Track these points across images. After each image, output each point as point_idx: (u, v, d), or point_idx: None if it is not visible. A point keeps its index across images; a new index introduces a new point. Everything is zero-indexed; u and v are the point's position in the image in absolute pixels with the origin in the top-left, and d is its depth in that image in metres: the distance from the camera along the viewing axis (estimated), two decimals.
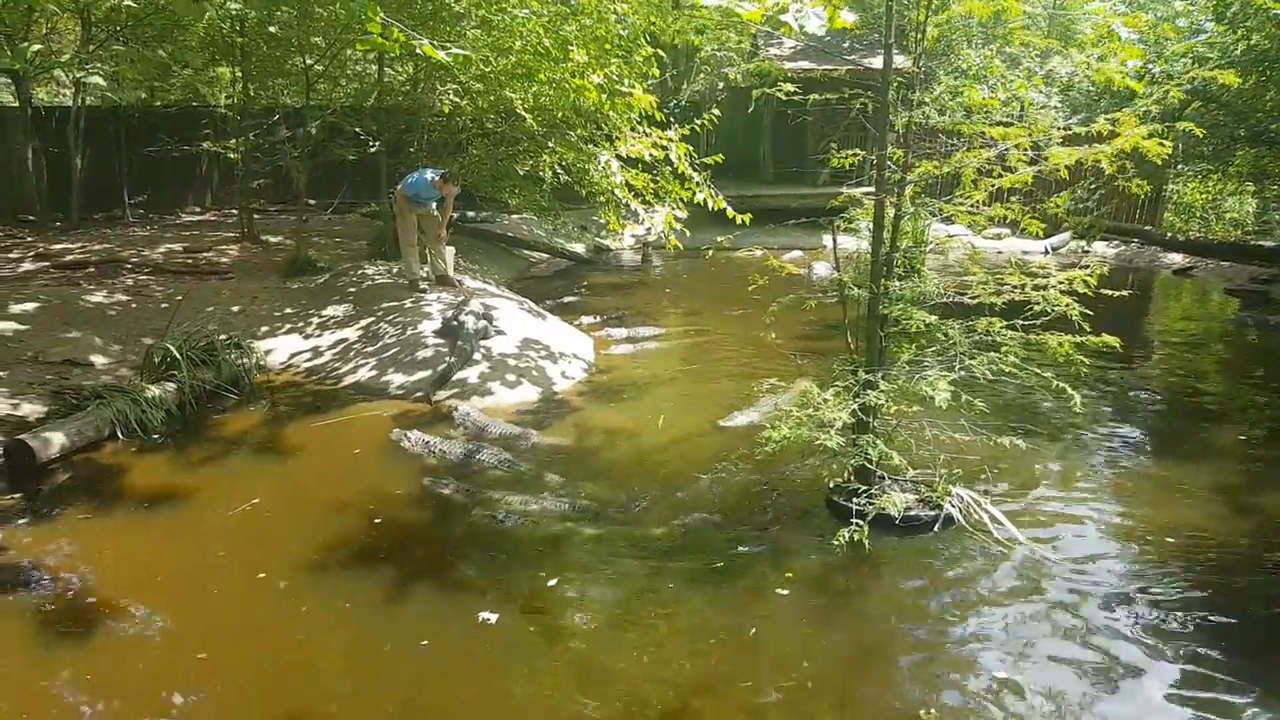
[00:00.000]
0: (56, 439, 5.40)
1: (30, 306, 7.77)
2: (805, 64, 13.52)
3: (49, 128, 12.31)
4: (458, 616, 3.85)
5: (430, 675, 3.50)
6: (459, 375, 6.93)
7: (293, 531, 4.67)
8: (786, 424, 4.42)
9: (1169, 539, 4.57)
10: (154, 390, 6.14)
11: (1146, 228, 14.42)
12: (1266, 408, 7.02)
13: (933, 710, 3.27)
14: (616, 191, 6.88)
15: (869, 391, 4.46)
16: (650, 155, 6.29)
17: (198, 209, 14.53)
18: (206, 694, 3.38)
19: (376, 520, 4.73)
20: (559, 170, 8.90)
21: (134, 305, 8.26)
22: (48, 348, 6.96)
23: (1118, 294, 4.64)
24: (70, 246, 10.53)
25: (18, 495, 4.99)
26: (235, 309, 8.55)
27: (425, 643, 3.67)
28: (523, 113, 7.55)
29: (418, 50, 4.04)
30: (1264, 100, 11.49)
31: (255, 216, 12.07)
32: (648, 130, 6.42)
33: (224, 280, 9.44)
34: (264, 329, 8.15)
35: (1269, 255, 12.65)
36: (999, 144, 4.51)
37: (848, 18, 3.33)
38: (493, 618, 3.80)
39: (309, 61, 9.69)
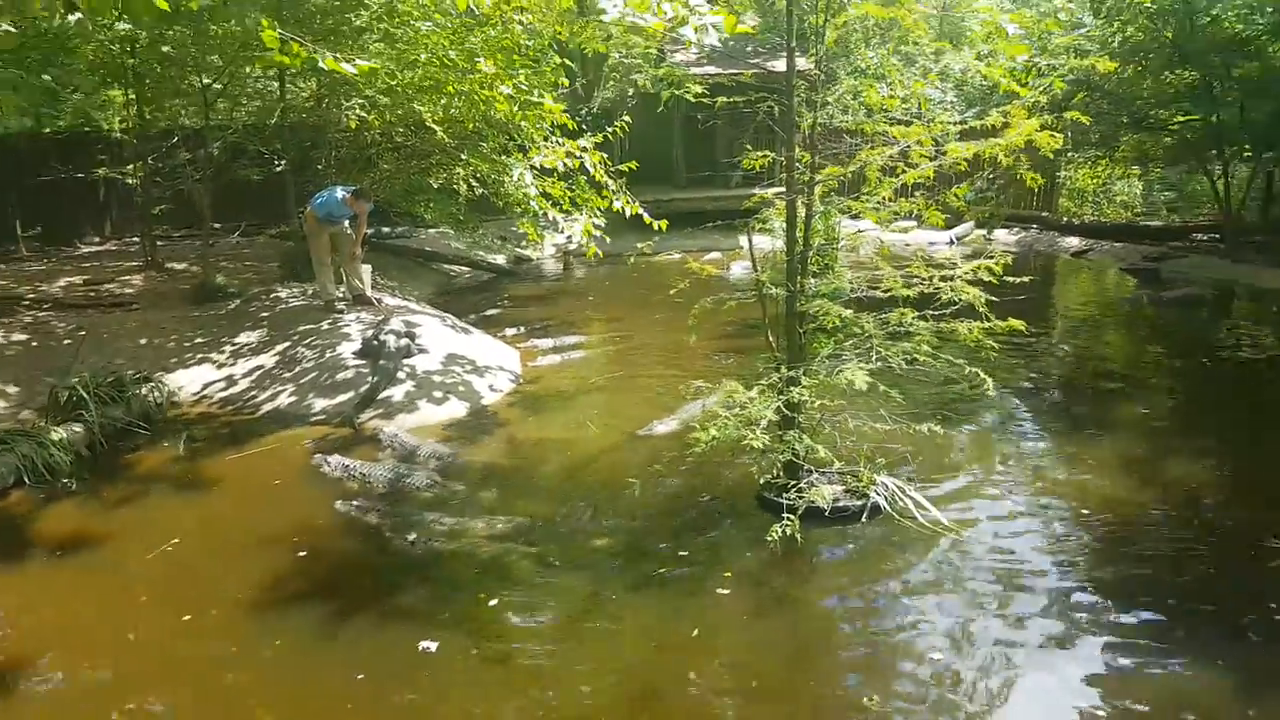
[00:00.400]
0: None
1: None
2: (711, 69, 13.70)
3: None
4: (395, 647, 3.75)
5: (368, 710, 3.40)
6: (383, 395, 6.81)
7: (216, 569, 4.51)
8: (714, 425, 4.49)
9: (1083, 511, 4.80)
10: (60, 432, 5.84)
11: (1044, 214, 15.11)
12: (1165, 380, 7.44)
13: (875, 697, 3.36)
14: (532, 202, 6.87)
15: (792, 388, 4.56)
16: (565, 165, 6.30)
17: (97, 239, 13.87)
18: None
19: (302, 552, 4.59)
20: (473, 183, 8.83)
21: (34, 344, 7.84)
22: None
23: (1020, 280, 4.87)
24: None
25: None
26: (143, 341, 8.20)
27: (361, 676, 3.56)
28: (432, 125, 7.47)
29: (321, 64, 3.96)
30: (1142, 88, 12.16)
31: (159, 243, 11.62)
32: (561, 140, 6.43)
33: (129, 312, 9.05)
34: (174, 360, 7.84)
35: (1157, 234, 13.41)
36: (900, 142, 4.67)
37: (748, 22, 3.41)
38: (433, 645, 3.72)
39: (206, 81, 9.38)
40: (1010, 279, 4.69)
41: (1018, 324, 4.48)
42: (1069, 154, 14.18)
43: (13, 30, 6.48)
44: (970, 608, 3.92)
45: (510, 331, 9.20)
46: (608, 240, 6.93)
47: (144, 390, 6.68)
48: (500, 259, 13.88)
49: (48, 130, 13.16)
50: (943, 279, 4.62)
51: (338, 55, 4.01)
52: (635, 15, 3.53)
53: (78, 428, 6.02)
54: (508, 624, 3.93)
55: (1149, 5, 10.43)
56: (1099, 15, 11.72)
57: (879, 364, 4.56)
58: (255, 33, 4.00)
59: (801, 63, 4.54)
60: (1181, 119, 12.31)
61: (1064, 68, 5.31)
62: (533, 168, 6.84)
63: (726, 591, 4.08)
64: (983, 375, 4.47)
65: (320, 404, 6.83)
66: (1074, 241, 14.03)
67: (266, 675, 3.66)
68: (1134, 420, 6.26)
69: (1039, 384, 7.14)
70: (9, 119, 12.43)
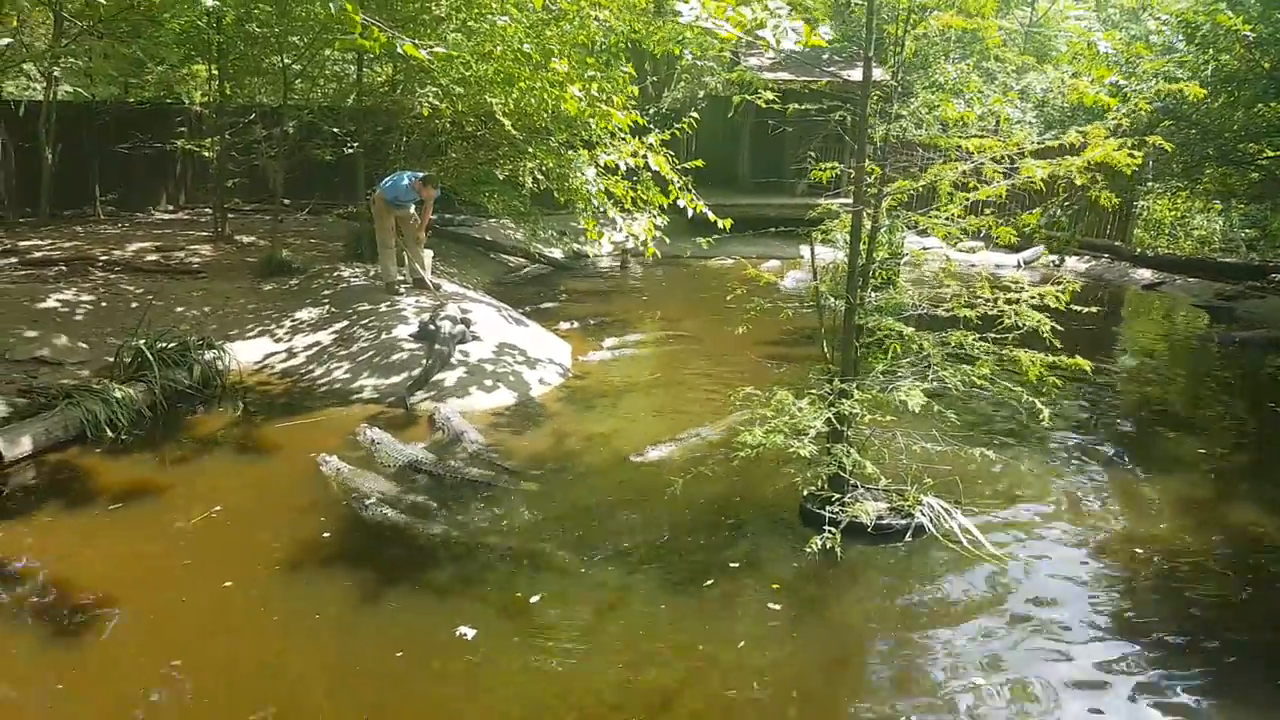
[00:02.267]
0: (24, 438, 5.32)
1: None
2: (784, 75, 13.59)
3: (19, 122, 12.10)
4: (433, 630, 3.79)
5: (405, 688, 3.45)
6: (435, 379, 6.89)
7: (260, 537, 4.60)
8: (762, 430, 4.44)
9: (1137, 550, 4.64)
10: (124, 390, 6.05)
11: (1116, 243, 14.65)
12: (1231, 422, 7.15)
13: (913, 719, 3.30)
14: (594, 199, 6.89)
15: (844, 400, 4.50)
16: (629, 163, 6.31)
17: (171, 207, 14.32)
18: (178, 702, 3.33)
19: (345, 527, 4.66)
20: (539, 176, 8.92)
21: (104, 304, 8.14)
22: (15, 346, 6.84)
23: (1087, 309, 4.73)
24: (39, 243, 10.35)
25: None
26: (207, 309, 8.45)
27: (400, 654, 3.61)
28: (502, 118, 7.55)
29: (399, 50, 4.02)
30: (1232, 120, 11.70)
31: (230, 216, 11.94)
32: (627, 137, 6.44)
33: (196, 280, 9.32)
34: (236, 330, 8.06)
35: (1234, 272, 12.90)
36: (974, 157, 4.58)
37: (825, 35, 3.37)
38: (470, 632, 3.72)
39: (287, 60, 9.61)
40: (1077, 307, 4.57)
41: (1083, 363, 4.37)
42: (1148, 183, 13.73)
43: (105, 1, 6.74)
44: (1009, 638, 3.82)
45: (564, 325, 9.25)
46: (667, 240, 6.92)
47: (206, 356, 6.86)
48: (558, 253, 13.96)
49: (132, 100, 13.61)
50: (1008, 302, 4.52)
51: (416, 41, 4.07)
52: (713, 21, 3.49)
53: (140, 388, 6.23)
54: (548, 619, 3.91)
55: (1248, 33, 10.02)
56: (1192, 41, 11.30)
57: (935, 384, 4.48)
58: (338, 16, 4.08)
59: (877, 73, 4.47)
60: (1272, 154, 11.82)
61: (1150, 90, 5.12)
62: (597, 165, 6.85)
63: (777, 607, 4.01)
64: (1039, 405, 4.35)
65: (373, 383, 6.95)
66: (1146, 274, 13.57)
67: (307, 648, 3.72)
68: (1194, 462, 6.02)
69: (1097, 417, 6.92)
70: (97, 87, 12.92)
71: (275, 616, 3.92)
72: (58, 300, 8.00)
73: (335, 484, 5.07)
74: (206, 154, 11.34)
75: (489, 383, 7.01)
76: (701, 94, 17.79)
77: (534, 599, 4.02)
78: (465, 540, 4.57)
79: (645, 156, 6.19)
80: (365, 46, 4.01)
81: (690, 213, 6.55)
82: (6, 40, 8.79)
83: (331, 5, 4.05)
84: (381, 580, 4.16)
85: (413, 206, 8.62)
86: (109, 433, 5.73)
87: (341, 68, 11.10)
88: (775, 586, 4.17)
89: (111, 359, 6.69)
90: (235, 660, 3.62)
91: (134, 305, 8.13)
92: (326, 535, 4.57)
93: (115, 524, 4.70)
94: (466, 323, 7.74)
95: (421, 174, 8.60)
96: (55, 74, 10.83)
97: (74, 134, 12.67)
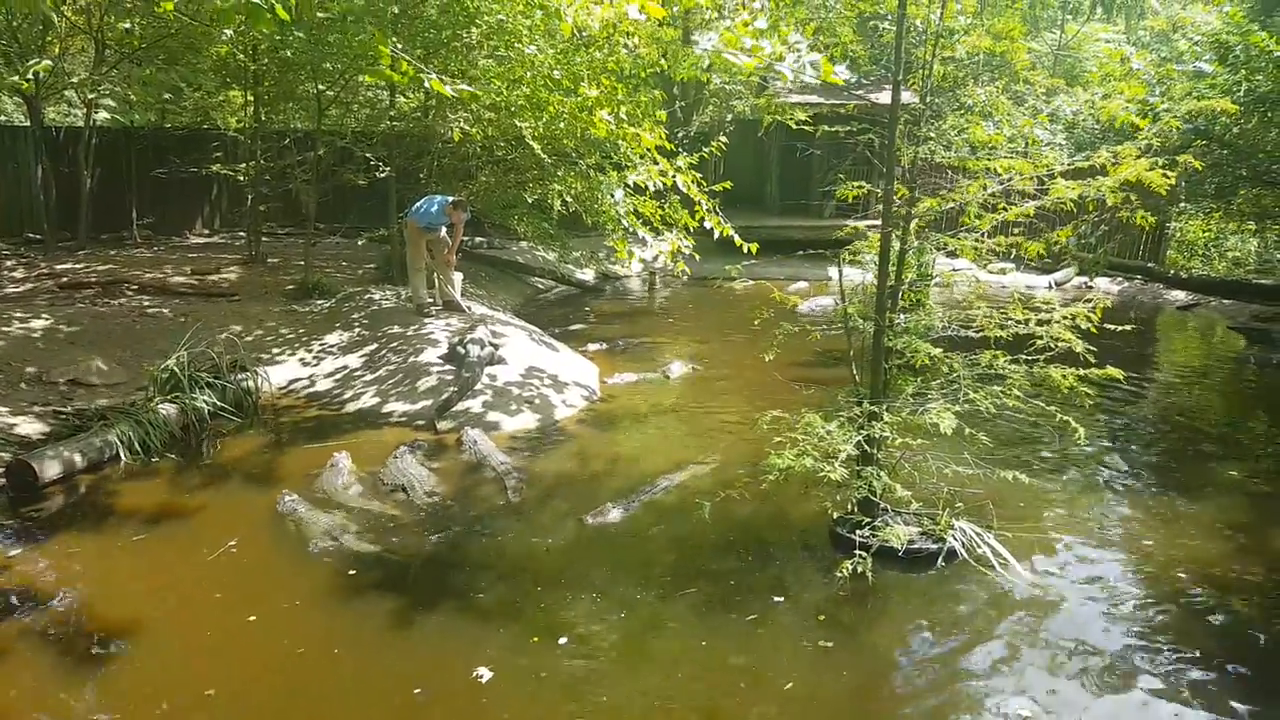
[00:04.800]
0: (59, 460, 5.39)
1: (35, 325, 7.79)
2: (813, 98, 13.64)
3: (59, 147, 12.41)
4: (449, 670, 3.71)
5: None
6: (462, 405, 6.91)
7: (284, 567, 4.58)
8: (791, 453, 4.41)
9: (1180, 574, 4.54)
10: (157, 412, 6.11)
11: (1149, 265, 14.45)
12: (1270, 444, 7.00)
13: None
14: (623, 220, 6.93)
15: (873, 423, 4.46)
16: (658, 184, 6.34)
17: (206, 231, 14.59)
18: None
19: (366, 558, 4.60)
20: (568, 199, 8.98)
21: (138, 326, 8.28)
22: (51, 367, 6.97)
23: (1120, 329, 4.67)
24: (76, 266, 10.58)
25: (15, 517, 4.96)
26: (238, 328, 8.55)
27: (418, 690, 3.56)
28: (531, 142, 7.62)
29: (425, 85, 4.08)
30: (1265, 140, 11.54)
31: (263, 239, 12.13)
32: (656, 158, 6.48)
33: (230, 302, 9.46)
34: (268, 353, 8.14)
35: (1270, 294, 12.66)
36: (1003, 178, 4.56)
37: (841, 74, 3.42)
38: (487, 673, 3.62)
39: (320, 87, 9.79)
40: (1110, 326, 4.51)
41: (1115, 372, 4.31)
42: (1181, 204, 13.57)
43: (129, 28, 6.86)
44: (1044, 665, 3.75)
45: (592, 347, 9.27)
46: (697, 258, 6.93)
47: (238, 378, 6.94)
48: (587, 275, 14.01)
49: (169, 125, 13.93)
50: (1039, 323, 4.47)
51: (443, 77, 4.13)
52: (730, 53, 3.53)
53: (174, 409, 6.29)
54: (577, 650, 3.84)
55: None
56: (1224, 62, 11.19)
57: (965, 406, 4.43)
58: (368, 46, 4.16)
59: (905, 95, 4.47)
60: None
61: (1181, 109, 5.08)
62: (626, 186, 6.90)
63: (829, 642, 3.93)
64: (1074, 425, 4.29)
65: (402, 406, 6.99)
66: (1179, 295, 13.38)
67: (330, 682, 3.68)
68: (1232, 485, 5.89)
69: (1132, 439, 6.80)
70: (135, 113, 13.24)
71: (301, 649, 3.86)
72: (94, 322, 8.16)
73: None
74: (241, 178, 11.55)
75: (514, 406, 7.02)
76: (729, 117, 17.86)
77: (561, 640, 3.90)
78: (487, 571, 4.52)
79: (674, 177, 6.22)
80: (394, 79, 4.06)
81: (717, 234, 6.56)
82: (46, 63, 9.01)
83: (363, 36, 4.12)
84: (403, 613, 4.10)
85: (443, 229, 8.72)
86: (142, 454, 5.79)
87: (374, 94, 11.27)
88: (821, 617, 4.09)
89: (145, 381, 6.78)
90: (257, 693, 3.58)
91: (168, 327, 8.26)
92: (350, 568, 4.51)
93: (143, 550, 4.68)
94: (494, 345, 7.78)
95: (452, 198, 8.71)
96: (95, 100, 11.11)
97: (112, 159, 12.98)
